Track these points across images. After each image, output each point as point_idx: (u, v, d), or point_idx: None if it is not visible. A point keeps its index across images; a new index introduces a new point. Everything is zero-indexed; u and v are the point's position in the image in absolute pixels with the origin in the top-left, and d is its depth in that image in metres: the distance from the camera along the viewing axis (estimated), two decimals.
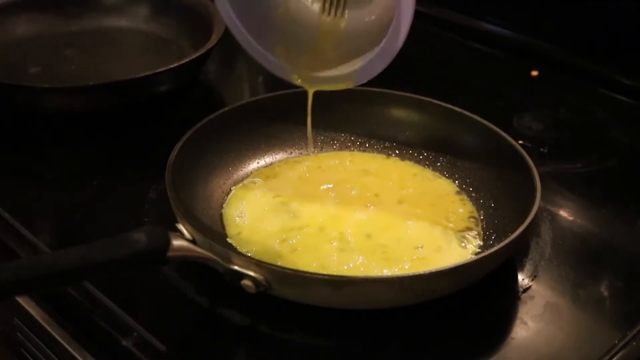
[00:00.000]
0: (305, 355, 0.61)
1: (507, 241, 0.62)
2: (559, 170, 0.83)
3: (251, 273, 0.58)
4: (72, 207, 0.77)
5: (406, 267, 0.66)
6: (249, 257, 0.59)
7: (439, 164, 0.79)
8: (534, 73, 1.02)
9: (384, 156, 0.81)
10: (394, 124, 0.82)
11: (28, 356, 0.75)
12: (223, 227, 0.70)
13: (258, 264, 0.58)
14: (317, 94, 0.80)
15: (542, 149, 0.86)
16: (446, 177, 0.77)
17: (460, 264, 0.61)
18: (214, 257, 0.59)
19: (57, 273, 0.52)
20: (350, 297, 0.59)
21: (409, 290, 0.60)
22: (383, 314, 0.63)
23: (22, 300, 0.71)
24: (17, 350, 0.77)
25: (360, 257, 0.66)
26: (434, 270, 0.59)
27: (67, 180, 0.82)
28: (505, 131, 0.75)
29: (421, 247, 0.68)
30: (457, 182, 0.77)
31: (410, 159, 0.80)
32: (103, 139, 0.87)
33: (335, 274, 0.63)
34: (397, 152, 0.81)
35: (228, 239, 0.69)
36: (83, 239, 0.58)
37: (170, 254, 0.57)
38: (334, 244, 0.68)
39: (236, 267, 0.59)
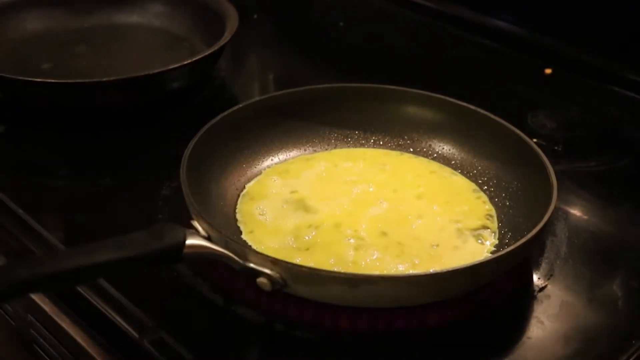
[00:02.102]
0: (320, 354, 0.61)
1: (523, 240, 0.61)
2: (574, 168, 0.83)
3: (267, 271, 0.58)
4: (85, 203, 0.76)
5: (422, 264, 0.65)
6: (265, 254, 0.59)
7: (453, 162, 0.78)
8: (548, 71, 1.01)
9: (398, 153, 0.80)
10: (408, 121, 0.81)
11: (42, 353, 0.75)
12: (237, 224, 0.70)
13: (274, 262, 0.58)
14: (328, 93, 0.80)
15: (556, 147, 0.85)
16: (462, 174, 0.77)
17: (477, 262, 0.61)
18: (230, 254, 0.59)
19: (73, 271, 0.52)
20: (366, 296, 0.59)
21: (424, 288, 0.60)
22: (398, 311, 0.62)
23: (36, 297, 0.71)
24: (30, 347, 0.77)
25: (376, 254, 0.66)
26: (450, 269, 0.59)
27: (80, 177, 0.82)
28: (520, 129, 0.75)
29: (437, 245, 0.67)
30: (473, 180, 0.76)
31: (425, 156, 0.80)
32: (115, 136, 0.87)
33: (351, 271, 0.63)
34: (411, 149, 0.80)
35: (242, 236, 0.68)
36: (96, 236, 0.58)
37: (186, 251, 0.57)
38: (350, 240, 0.67)
39: (252, 265, 0.59)
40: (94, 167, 0.83)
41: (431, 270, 0.59)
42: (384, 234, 0.68)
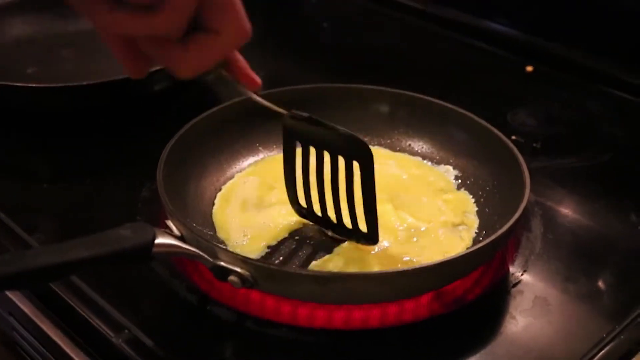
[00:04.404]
0: (293, 352, 0.61)
1: (494, 237, 0.62)
2: (553, 165, 0.83)
3: (237, 269, 0.59)
4: (66, 205, 0.77)
5: (407, 259, 0.66)
6: (235, 253, 0.60)
7: (432, 160, 0.79)
8: (529, 69, 1.02)
9: (378, 148, 0.81)
10: (387, 120, 0.82)
11: (24, 354, 0.76)
12: (214, 223, 0.71)
13: (244, 261, 0.59)
14: (309, 94, 0.81)
15: (535, 145, 0.86)
16: (441, 172, 0.78)
17: (447, 259, 0.61)
18: (201, 253, 0.60)
19: (42, 268, 0.53)
20: (336, 293, 0.60)
21: (394, 286, 0.60)
22: (372, 308, 0.63)
23: (17, 299, 0.72)
24: (13, 348, 0.78)
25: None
26: (419, 266, 0.60)
27: (61, 178, 0.83)
28: (499, 127, 0.75)
29: (415, 239, 0.68)
30: (451, 177, 0.77)
31: (403, 152, 0.80)
32: (98, 138, 0.88)
33: (320, 269, 0.63)
34: (390, 147, 0.81)
35: (218, 234, 0.69)
36: (76, 237, 0.58)
37: (155, 249, 0.58)
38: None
39: (222, 264, 0.59)
40: (75, 169, 0.83)
41: (400, 268, 0.60)
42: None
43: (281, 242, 0.69)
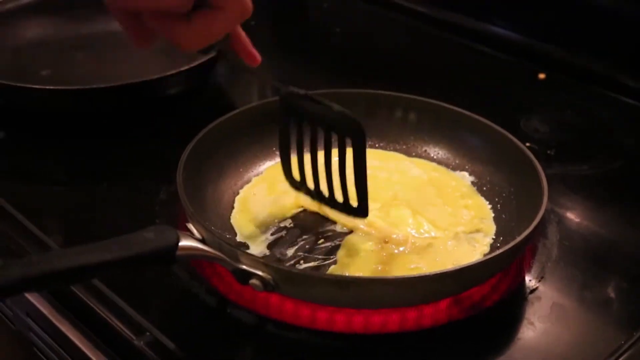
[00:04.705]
0: (312, 356, 0.62)
1: (513, 243, 0.62)
2: (566, 172, 0.84)
3: (259, 272, 0.59)
4: (83, 208, 0.77)
5: (413, 266, 0.66)
6: (257, 257, 0.60)
7: (448, 166, 0.79)
8: (541, 76, 1.02)
9: (394, 152, 0.81)
10: (404, 126, 0.82)
11: (41, 355, 0.76)
12: (233, 227, 0.71)
13: (265, 264, 0.59)
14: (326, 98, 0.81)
15: (548, 152, 0.86)
16: (457, 178, 0.78)
17: (466, 265, 0.62)
18: (223, 256, 0.60)
19: (66, 270, 0.53)
20: (357, 297, 0.60)
21: (414, 291, 0.61)
22: (391, 312, 0.63)
23: (35, 300, 0.72)
24: (30, 350, 0.78)
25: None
26: (439, 272, 0.60)
27: (78, 181, 0.83)
28: (512, 134, 0.76)
29: (430, 246, 0.68)
30: (468, 183, 0.77)
31: (419, 158, 0.81)
32: (114, 141, 0.88)
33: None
34: (407, 153, 0.81)
35: (238, 238, 0.69)
36: (94, 239, 0.59)
37: (179, 252, 0.58)
38: None
39: (244, 267, 0.60)
40: (92, 172, 0.84)
41: (420, 274, 0.60)
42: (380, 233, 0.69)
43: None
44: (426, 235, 0.70)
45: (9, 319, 0.81)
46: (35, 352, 0.77)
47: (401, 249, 0.68)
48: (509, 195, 0.74)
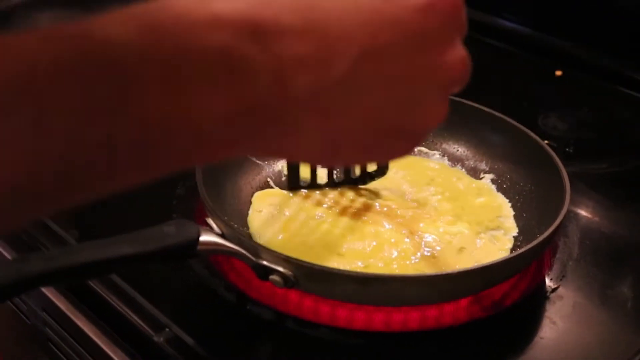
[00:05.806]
0: (332, 353, 0.61)
1: (536, 242, 0.62)
2: (585, 170, 0.83)
3: (279, 268, 0.59)
4: (100, 202, 0.77)
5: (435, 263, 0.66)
6: (277, 252, 0.60)
7: (467, 164, 0.79)
8: (558, 73, 1.02)
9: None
10: None
11: (56, 351, 0.76)
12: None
13: (286, 260, 0.59)
14: None
15: (567, 149, 0.86)
16: (477, 177, 0.77)
17: (487, 264, 0.61)
18: (243, 251, 0.60)
19: (86, 264, 0.53)
20: (378, 295, 0.60)
21: (436, 289, 0.60)
22: (412, 310, 0.63)
23: (51, 295, 0.72)
24: (45, 344, 0.77)
25: (395, 252, 0.66)
26: (461, 270, 0.60)
27: None
28: (530, 131, 0.75)
29: (451, 244, 0.68)
30: (488, 182, 0.77)
31: (439, 158, 0.80)
32: None
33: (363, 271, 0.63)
34: (425, 151, 0.81)
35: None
36: (111, 234, 0.58)
37: (199, 247, 0.57)
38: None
39: (265, 262, 0.59)
40: None
41: (442, 272, 0.59)
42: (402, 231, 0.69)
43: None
44: (447, 236, 0.69)
45: (24, 314, 0.80)
46: (51, 347, 0.77)
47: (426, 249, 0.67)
48: (529, 194, 0.73)
